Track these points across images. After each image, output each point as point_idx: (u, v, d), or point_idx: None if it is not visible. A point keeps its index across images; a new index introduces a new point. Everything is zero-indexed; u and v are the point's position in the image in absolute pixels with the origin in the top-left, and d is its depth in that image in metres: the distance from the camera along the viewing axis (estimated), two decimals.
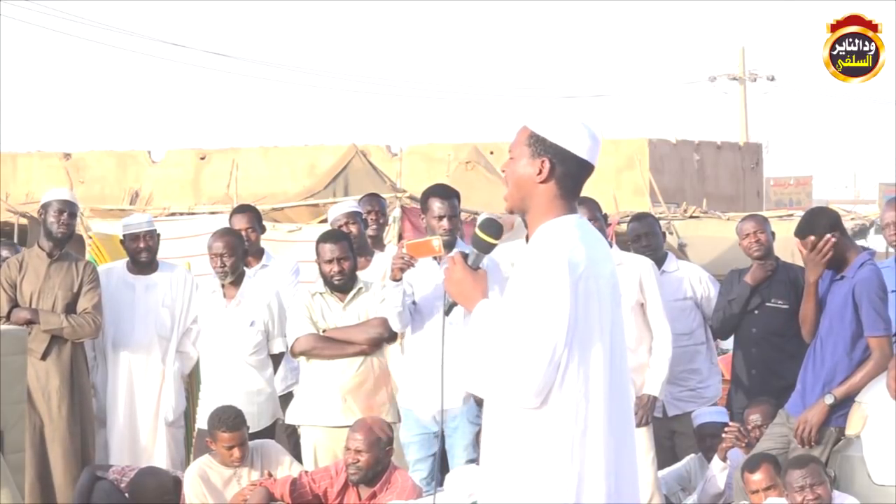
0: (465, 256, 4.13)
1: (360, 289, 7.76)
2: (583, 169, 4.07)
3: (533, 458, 3.93)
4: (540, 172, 4.03)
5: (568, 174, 4.04)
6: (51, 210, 8.37)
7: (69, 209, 8.42)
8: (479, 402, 7.22)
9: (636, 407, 7.52)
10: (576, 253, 3.93)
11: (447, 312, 4.21)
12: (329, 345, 7.67)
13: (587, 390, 3.93)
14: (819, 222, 6.94)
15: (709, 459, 7.91)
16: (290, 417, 7.89)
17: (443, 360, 4.32)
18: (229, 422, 7.54)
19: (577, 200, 4.12)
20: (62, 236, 8.39)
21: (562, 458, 3.91)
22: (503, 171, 4.15)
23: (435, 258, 7.30)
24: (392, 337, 7.75)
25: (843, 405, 6.88)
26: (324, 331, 7.69)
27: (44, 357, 8.18)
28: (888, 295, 6.89)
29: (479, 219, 4.22)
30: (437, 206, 7.45)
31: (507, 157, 4.15)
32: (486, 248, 4.14)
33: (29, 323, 8.17)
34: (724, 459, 7.52)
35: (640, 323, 7.72)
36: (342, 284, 7.71)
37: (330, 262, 7.67)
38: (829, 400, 6.82)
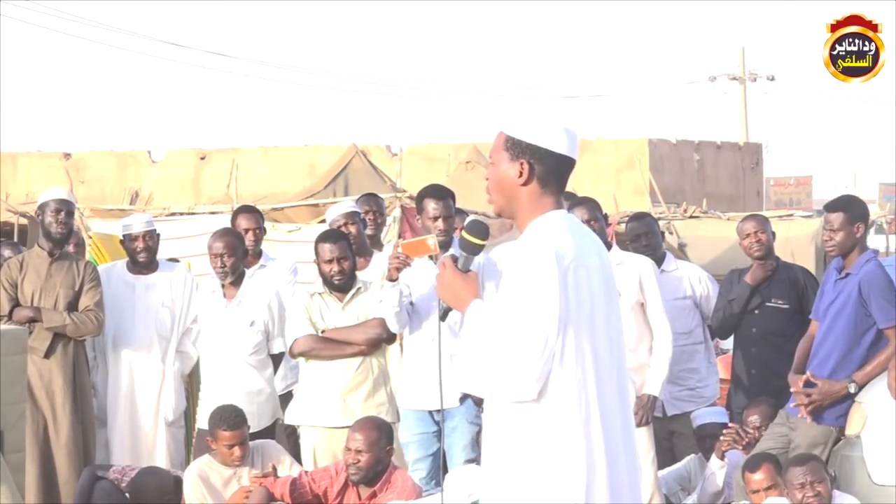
0: (455, 260, 4.14)
1: (359, 289, 7.75)
2: (563, 165, 4.11)
3: (540, 451, 3.95)
4: (521, 175, 4.07)
5: (548, 171, 4.08)
6: (48, 210, 8.37)
7: (66, 208, 8.41)
8: (477, 403, 7.23)
9: (636, 407, 7.53)
10: (562, 244, 3.97)
11: (443, 318, 4.25)
12: (327, 345, 7.66)
13: (585, 379, 3.96)
14: (853, 207, 7.04)
15: (708, 460, 7.92)
16: (290, 418, 7.89)
17: (440, 363, 4.33)
18: (230, 420, 7.54)
19: (563, 196, 4.16)
20: (60, 236, 8.39)
21: (568, 447, 3.94)
22: (486, 179, 4.18)
23: (431, 257, 7.30)
24: (391, 337, 7.74)
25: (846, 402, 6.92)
26: (322, 331, 7.69)
27: (47, 355, 8.19)
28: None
29: (466, 221, 4.24)
30: (431, 206, 7.45)
31: None
32: (474, 250, 4.17)
33: (31, 321, 8.17)
34: (721, 458, 7.53)
35: (640, 322, 7.73)
36: (342, 284, 7.70)
37: (329, 261, 7.66)
38: (852, 388, 6.86)
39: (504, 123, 4.15)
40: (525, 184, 4.07)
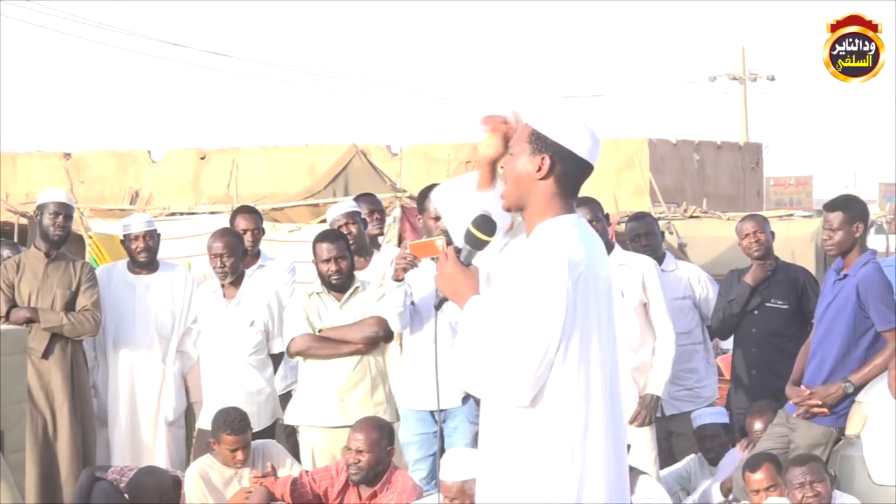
0: (457, 252, 4.13)
1: (357, 288, 7.76)
2: (582, 169, 4.08)
3: (533, 458, 3.92)
4: (539, 169, 4.03)
5: (567, 173, 4.05)
6: (46, 212, 8.37)
7: (65, 211, 8.42)
8: (478, 402, 7.21)
9: (639, 407, 7.55)
10: (575, 252, 3.94)
11: (438, 307, 4.21)
12: (325, 344, 7.67)
13: (588, 389, 3.94)
14: (852, 206, 7.02)
15: (709, 460, 7.93)
16: (288, 418, 7.89)
17: (436, 356, 4.31)
18: (234, 424, 7.53)
19: (575, 200, 4.11)
20: (58, 238, 8.40)
21: (563, 457, 3.91)
22: (501, 168, 4.15)
23: (435, 259, 7.28)
24: (388, 336, 7.74)
25: (845, 402, 6.92)
26: (320, 331, 7.69)
27: (45, 356, 8.20)
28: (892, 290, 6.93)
29: (474, 215, 4.21)
30: (433, 206, 7.44)
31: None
32: (479, 245, 4.14)
33: (29, 322, 8.18)
34: (726, 495, 7.45)
35: (642, 323, 7.74)
36: (339, 284, 7.70)
37: (327, 261, 7.67)
38: (849, 389, 6.86)
39: (531, 116, 4.11)
40: (542, 179, 4.04)
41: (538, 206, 4.07)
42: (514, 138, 4.12)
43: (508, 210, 4.19)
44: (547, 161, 4.03)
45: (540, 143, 4.04)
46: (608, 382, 3.99)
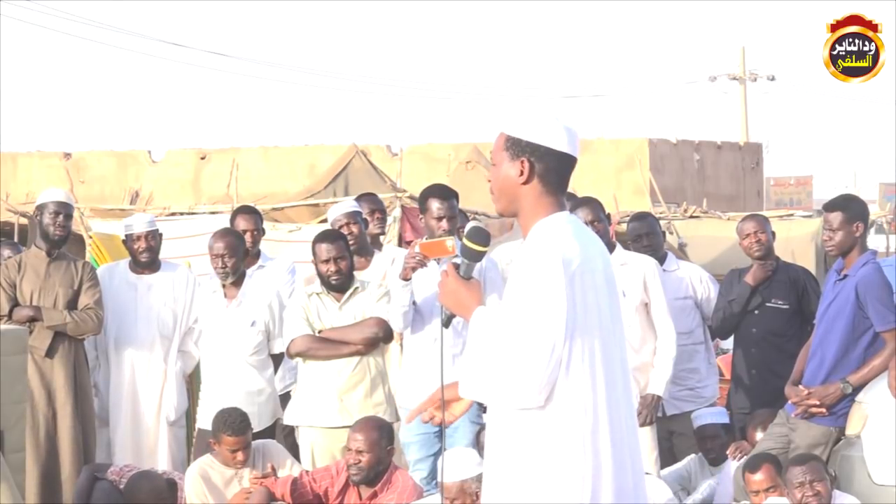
0: (456, 267, 4.15)
1: (357, 288, 7.75)
2: (563, 162, 4.10)
3: (545, 457, 3.93)
4: (521, 173, 4.06)
5: (549, 169, 4.07)
6: (46, 212, 8.38)
7: (65, 211, 8.42)
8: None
9: (640, 406, 7.55)
10: (569, 249, 3.96)
11: (446, 324, 4.25)
12: (324, 345, 7.66)
13: (594, 384, 3.95)
14: (852, 206, 7.02)
15: (709, 460, 7.93)
16: (288, 418, 7.89)
17: (442, 371, 4.33)
18: (235, 425, 7.53)
19: (566, 196, 4.15)
20: (58, 238, 8.40)
21: (574, 453, 3.92)
22: (489, 181, 4.19)
23: (438, 260, 7.29)
24: (388, 337, 7.74)
25: (845, 402, 6.92)
26: (319, 331, 7.69)
27: (48, 354, 8.20)
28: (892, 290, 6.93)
29: (466, 228, 4.23)
30: (435, 206, 7.44)
31: None
32: (476, 257, 4.18)
33: (32, 320, 8.18)
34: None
35: (644, 322, 7.75)
36: (339, 284, 7.70)
37: (327, 261, 7.67)
38: (847, 390, 6.86)
39: (503, 124, 4.14)
40: (526, 182, 4.06)
41: (529, 209, 4.09)
42: (493, 149, 4.15)
43: (502, 216, 4.22)
44: (526, 164, 4.06)
45: (516, 147, 4.08)
46: (614, 376, 4.00)
